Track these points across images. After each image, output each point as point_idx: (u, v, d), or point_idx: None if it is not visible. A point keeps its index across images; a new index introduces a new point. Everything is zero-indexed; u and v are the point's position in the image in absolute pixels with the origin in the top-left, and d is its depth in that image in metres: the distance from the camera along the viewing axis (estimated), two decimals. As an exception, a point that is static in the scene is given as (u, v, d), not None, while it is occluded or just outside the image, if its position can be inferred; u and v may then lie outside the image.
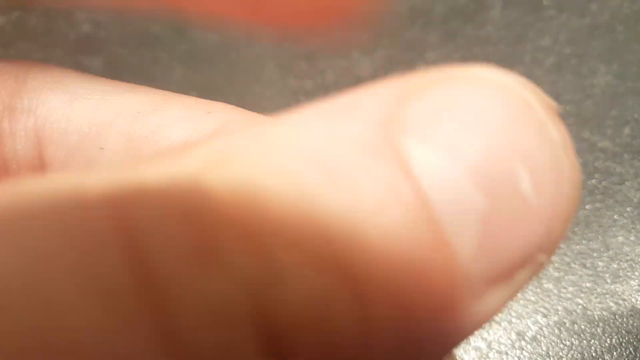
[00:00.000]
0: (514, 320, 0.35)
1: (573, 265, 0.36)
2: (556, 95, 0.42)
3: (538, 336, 0.34)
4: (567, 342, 0.34)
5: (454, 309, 0.11)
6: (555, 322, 0.34)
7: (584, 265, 0.36)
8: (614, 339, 0.34)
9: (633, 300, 0.35)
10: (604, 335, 0.34)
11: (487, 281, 0.12)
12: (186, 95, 0.19)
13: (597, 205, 0.38)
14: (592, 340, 0.34)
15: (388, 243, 0.10)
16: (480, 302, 0.12)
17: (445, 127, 0.11)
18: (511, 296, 0.12)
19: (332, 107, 0.12)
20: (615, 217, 0.37)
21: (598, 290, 0.35)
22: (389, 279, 0.10)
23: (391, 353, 0.11)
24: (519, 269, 0.12)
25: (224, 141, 0.10)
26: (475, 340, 0.35)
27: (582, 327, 0.34)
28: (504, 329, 0.34)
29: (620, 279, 0.35)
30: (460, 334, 0.12)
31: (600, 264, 0.36)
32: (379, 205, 0.10)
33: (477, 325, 0.12)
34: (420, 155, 0.11)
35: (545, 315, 0.35)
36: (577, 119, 0.41)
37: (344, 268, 0.10)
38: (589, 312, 0.35)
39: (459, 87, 0.12)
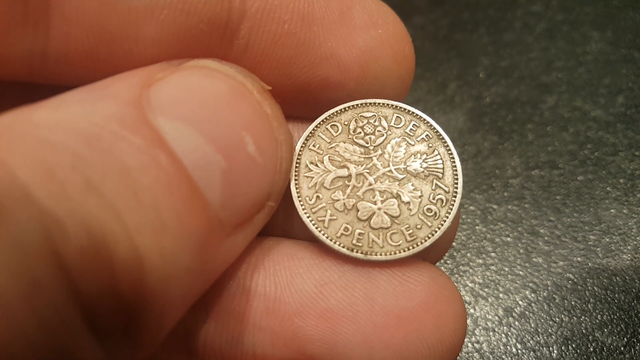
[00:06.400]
0: (501, 295, 0.33)
1: (564, 239, 0.34)
2: (547, 63, 0.40)
3: (527, 312, 0.32)
4: (557, 319, 0.32)
5: (211, 244, 0.14)
6: (545, 298, 0.33)
7: (575, 239, 0.34)
8: (605, 316, 0.32)
9: (625, 275, 0.33)
10: (595, 311, 0.32)
11: (234, 223, 0.15)
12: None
13: (589, 176, 0.36)
14: (583, 317, 0.32)
15: (153, 198, 0.12)
16: (231, 239, 0.15)
17: (186, 106, 0.14)
18: (253, 234, 0.16)
19: (87, 91, 0.14)
20: (608, 189, 0.36)
21: (589, 264, 0.33)
22: (160, 230, 0.13)
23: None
24: (256, 213, 0.16)
25: None
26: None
27: (573, 303, 0.32)
28: (491, 304, 0.33)
29: (613, 253, 0.34)
30: (219, 265, 0.15)
31: (592, 237, 0.34)
32: (141, 167, 0.13)
33: (231, 257, 0.16)
34: (170, 129, 0.14)
35: (534, 291, 0.33)
36: (569, 87, 0.39)
37: (119, 216, 0.12)
38: (579, 288, 0.33)
39: (192, 74, 0.15)
